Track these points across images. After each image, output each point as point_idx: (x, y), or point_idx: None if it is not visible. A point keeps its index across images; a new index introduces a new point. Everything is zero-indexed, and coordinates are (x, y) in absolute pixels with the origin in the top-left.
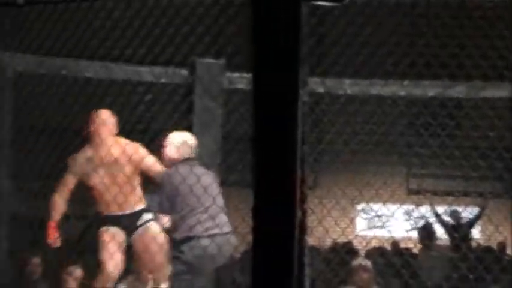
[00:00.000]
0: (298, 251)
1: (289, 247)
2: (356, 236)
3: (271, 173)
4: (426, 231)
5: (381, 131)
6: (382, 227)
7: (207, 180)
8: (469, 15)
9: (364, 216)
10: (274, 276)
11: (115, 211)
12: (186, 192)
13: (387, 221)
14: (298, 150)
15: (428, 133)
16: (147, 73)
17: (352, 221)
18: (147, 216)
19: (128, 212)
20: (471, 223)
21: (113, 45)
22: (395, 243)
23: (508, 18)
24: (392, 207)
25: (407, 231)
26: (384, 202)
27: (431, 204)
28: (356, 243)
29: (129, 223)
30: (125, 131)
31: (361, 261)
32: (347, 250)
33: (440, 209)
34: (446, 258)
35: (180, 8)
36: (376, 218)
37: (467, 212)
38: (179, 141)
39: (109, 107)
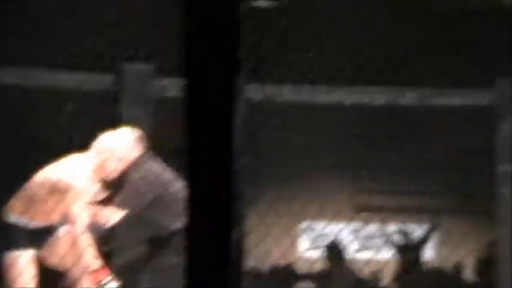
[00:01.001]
0: (234, 275)
1: (224, 271)
2: (299, 257)
3: (205, 188)
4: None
5: (326, 142)
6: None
7: None
8: (423, 19)
9: (308, 235)
10: None
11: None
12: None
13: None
14: (235, 164)
15: (377, 144)
16: (67, 79)
17: (294, 240)
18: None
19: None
20: (421, 242)
21: (27, 48)
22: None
23: (463, 24)
24: (338, 226)
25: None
26: (330, 220)
27: (380, 223)
28: (299, 265)
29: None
30: (43, 145)
31: (305, 285)
32: (289, 273)
33: (392, 228)
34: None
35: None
36: (321, 237)
37: (422, 231)
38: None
39: (21, 116)
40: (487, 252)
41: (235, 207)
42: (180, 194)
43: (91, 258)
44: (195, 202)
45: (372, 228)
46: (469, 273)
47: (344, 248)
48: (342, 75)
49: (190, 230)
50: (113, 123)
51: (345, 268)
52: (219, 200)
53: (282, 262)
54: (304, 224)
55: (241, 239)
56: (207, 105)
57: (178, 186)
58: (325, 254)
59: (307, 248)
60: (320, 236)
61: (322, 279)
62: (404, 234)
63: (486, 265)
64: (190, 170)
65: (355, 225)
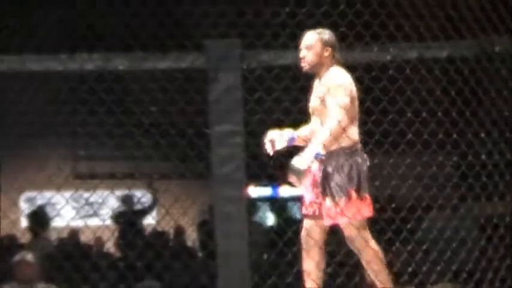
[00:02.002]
0: None
1: None
2: (22, 228)
3: None
4: (38, 217)
5: (35, 110)
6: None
7: None
8: None
9: (28, 205)
10: None
11: None
12: None
13: (52, 209)
14: None
15: (87, 110)
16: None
17: (16, 211)
18: None
19: None
20: (144, 210)
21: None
22: (73, 233)
23: None
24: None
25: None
26: (44, 188)
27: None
28: (21, 236)
29: None
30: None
31: (24, 255)
32: (10, 244)
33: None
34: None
35: None
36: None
37: (146, 198)
38: None
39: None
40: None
41: None
42: None
43: None
44: None
45: (88, 195)
46: (190, 236)
47: (48, 215)
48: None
49: None
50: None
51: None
52: None
53: (4, 233)
54: (26, 195)
55: None
56: None
57: None
58: (30, 221)
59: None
60: (39, 205)
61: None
62: (125, 200)
63: (204, 227)
64: None
65: (71, 193)
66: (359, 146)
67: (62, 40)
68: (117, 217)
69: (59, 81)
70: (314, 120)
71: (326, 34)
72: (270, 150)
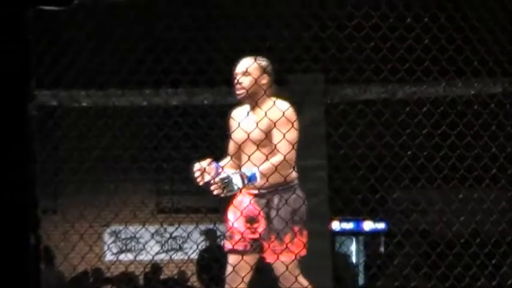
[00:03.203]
0: (34, 281)
1: (22, 276)
2: (104, 262)
3: (0, 196)
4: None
5: (120, 144)
6: (130, 250)
7: None
8: (209, 15)
9: (112, 239)
10: None
11: None
12: None
13: (137, 243)
14: (29, 170)
15: (172, 145)
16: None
17: (96, 245)
18: None
19: None
20: None
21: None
22: (155, 267)
23: (249, 16)
24: (140, 228)
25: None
26: (129, 223)
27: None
28: (105, 270)
29: None
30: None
31: None
32: (95, 278)
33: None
34: None
35: None
36: (125, 241)
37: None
38: None
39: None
40: None
41: (32, 213)
42: None
43: None
44: None
45: (172, 229)
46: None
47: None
48: (134, 78)
49: None
50: None
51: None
52: (15, 207)
53: (90, 267)
54: (108, 229)
55: (38, 245)
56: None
57: None
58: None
59: (112, 251)
60: (124, 239)
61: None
62: (209, 234)
63: None
64: None
65: (156, 226)
66: (297, 181)
67: (147, 75)
68: (201, 251)
69: (144, 116)
70: (247, 150)
71: (264, 61)
72: (199, 180)
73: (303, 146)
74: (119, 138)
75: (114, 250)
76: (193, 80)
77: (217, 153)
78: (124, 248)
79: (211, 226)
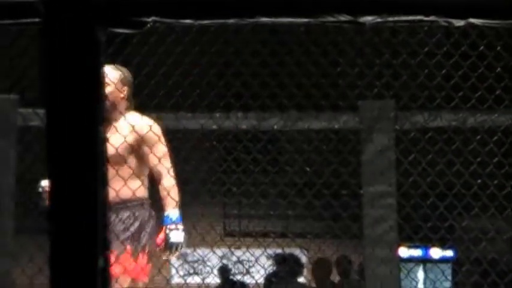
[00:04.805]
0: None
1: None
2: (170, 284)
3: (69, 218)
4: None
5: (189, 168)
6: (195, 273)
7: None
8: (281, 41)
9: (178, 262)
10: None
11: None
12: None
13: (203, 266)
14: (99, 193)
15: (241, 169)
16: None
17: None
18: None
19: None
20: (296, 269)
21: None
22: None
23: (322, 43)
24: (206, 251)
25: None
26: (197, 246)
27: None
28: None
29: None
30: None
31: None
32: None
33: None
34: None
35: None
36: (191, 264)
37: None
38: None
39: None
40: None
41: (101, 235)
42: None
43: None
44: (60, 233)
45: (240, 253)
46: None
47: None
48: (204, 101)
49: (55, 261)
50: None
51: None
52: (83, 229)
53: None
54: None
55: (107, 267)
56: (69, 135)
57: None
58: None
59: (180, 274)
60: (191, 262)
61: None
62: (277, 259)
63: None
64: (53, 200)
65: (223, 250)
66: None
67: (217, 99)
68: (269, 276)
69: (214, 140)
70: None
71: (125, 71)
72: (47, 200)
73: (372, 172)
74: (188, 161)
75: (181, 273)
76: (264, 104)
77: (286, 178)
78: (191, 271)
79: (279, 251)
